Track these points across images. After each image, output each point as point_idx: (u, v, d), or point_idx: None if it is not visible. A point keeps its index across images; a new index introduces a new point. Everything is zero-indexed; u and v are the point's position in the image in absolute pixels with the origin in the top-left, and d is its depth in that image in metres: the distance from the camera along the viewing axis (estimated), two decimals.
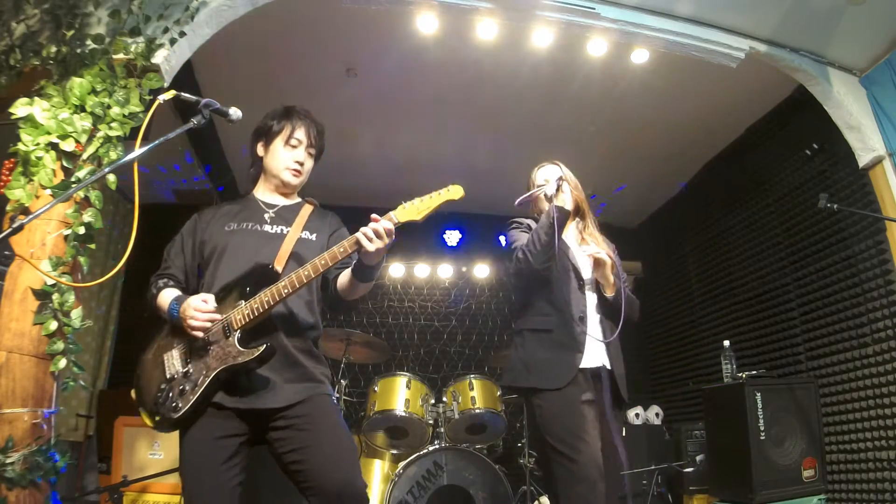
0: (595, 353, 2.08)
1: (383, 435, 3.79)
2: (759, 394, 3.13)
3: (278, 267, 1.75)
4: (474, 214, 5.20)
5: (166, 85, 2.40)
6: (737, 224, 4.49)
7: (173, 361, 1.72)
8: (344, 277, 1.82)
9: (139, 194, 1.68)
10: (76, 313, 2.02)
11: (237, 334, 1.66)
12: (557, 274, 2.11)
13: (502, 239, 2.38)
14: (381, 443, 3.82)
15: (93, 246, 2.13)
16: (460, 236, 5.48)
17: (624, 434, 3.90)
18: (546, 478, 2.08)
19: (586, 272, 2.17)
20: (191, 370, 1.67)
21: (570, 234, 2.28)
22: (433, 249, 5.52)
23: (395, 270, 5.59)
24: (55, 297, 1.97)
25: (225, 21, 2.61)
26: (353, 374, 4.90)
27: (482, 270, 5.73)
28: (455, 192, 1.67)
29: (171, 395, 1.65)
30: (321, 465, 1.62)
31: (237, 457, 1.64)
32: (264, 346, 1.62)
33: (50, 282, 1.95)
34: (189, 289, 1.86)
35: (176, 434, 1.69)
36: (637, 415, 4.31)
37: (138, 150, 1.62)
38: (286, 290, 1.64)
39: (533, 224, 2.22)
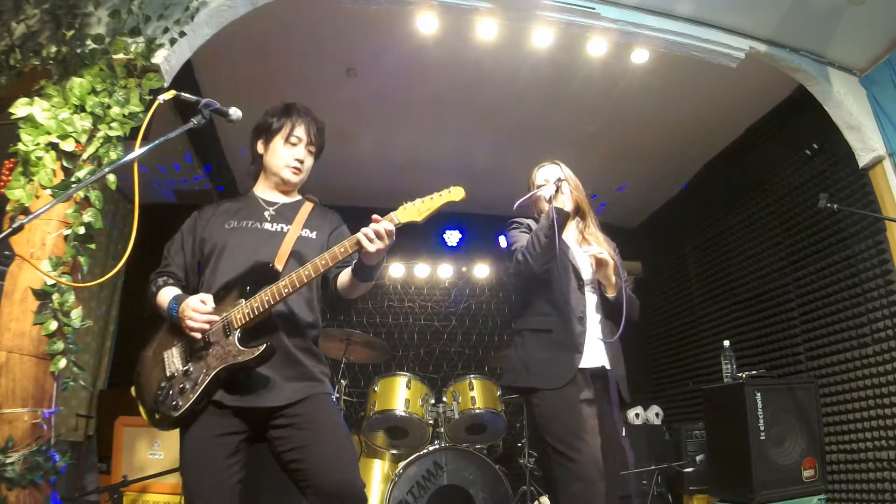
0: (594, 353, 2.08)
1: (383, 435, 3.79)
2: (759, 394, 3.13)
3: (278, 266, 1.75)
4: (474, 214, 5.20)
5: (166, 85, 2.40)
6: (737, 224, 4.49)
7: (173, 359, 1.72)
8: (344, 276, 1.82)
9: (139, 194, 1.68)
10: (76, 313, 2.02)
11: (237, 333, 1.66)
12: (557, 274, 2.11)
13: (502, 239, 2.38)
14: (381, 443, 3.82)
15: (93, 246, 2.13)
16: (460, 236, 5.48)
17: (624, 434, 3.90)
18: (546, 477, 2.08)
19: (586, 272, 2.17)
20: (191, 368, 1.67)
21: (571, 233, 2.28)
22: (433, 249, 5.53)
23: (395, 270, 5.59)
24: (55, 297, 1.97)
25: (225, 21, 2.61)
26: (353, 374, 4.90)
27: (482, 270, 5.73)
28: (456, 193, 1.67)
29: (171, 392, 1.66)
30: (320, 464, 1.62)
31: (237, 454, 1.65)
32: (264, 345, 1.62)
33: (50, 282, 1.96)
34: (189, 286, 1.86)
35: (176, 434, 1.69)
36: (637, 415, 4.31)
37: (138, 150, 1.62)
38: (286, 290, 1.65)
39: (533, 224, 2.22)
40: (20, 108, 2.06)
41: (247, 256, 1.77)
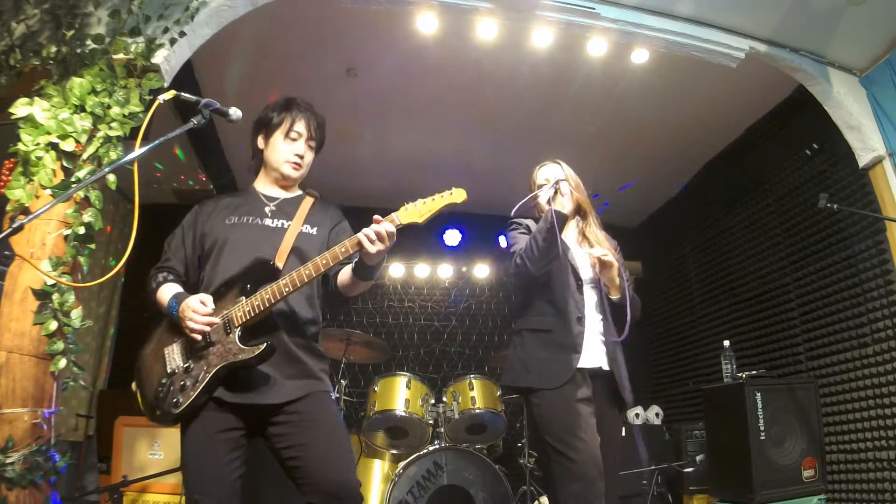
0: (594, 353, 2.07)
1: (383, 435, 3.79)
2: (759, 394, 3.13)
3: (279, 263, 1.76)
4: (474, 214, 5.19)
5: (166, 85, 2.40)
6: (737, 224, 4.49)
7: (174, 356, 1.73)
8: (344, 274, 1.82)
9: (139, 194, 1.69)
10: (76, 313, 2.02)
11: (238, 332, 1.67)
12: (556, 274, 2.11)
13: (503, 239, 2.38)
14: (381, 443, 3.82)
15: (93, 246, 2.13)
16: (460, 236, 5.48)
17: (623, 434, 3.91)
18: (545, 477, 2.08)
19: (585, 272, 2.16)
20: (191, 365, 1.68)
21: (571, 233, 2.27)
22: (433, 249, 5.53)
23: (395, 270, 5.59)
24: (55, 297, 1.97)
25: (225, 21, 2.61)
26: (353, 374, 4.90)
27: (482, 270, 5.73)
28: (458, 195, 1.68)
29: (171, 389, 1.67)
30: (318, 463, 1.64)
31: (238, 450, 1.67)
32: (265, 344, 1.63)
33: (50, 282, 1.96)
34: (189, 282, 1.87)
35: (176, 434, 1.69)
36: (637, 415, 4.31)
37: (138, 150, 1.62)
38: (287, 289, 1.65)
39: (533, 225, 2.22)
40: (20, 108, 2.06)
41: (247, 253, 1.77)
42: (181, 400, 1.64)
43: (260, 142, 1.96)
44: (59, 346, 1.97)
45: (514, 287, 2.54)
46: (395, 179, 4.88)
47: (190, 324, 1.65)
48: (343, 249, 1.66)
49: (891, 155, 3.11)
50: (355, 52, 3.52)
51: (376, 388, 3.78)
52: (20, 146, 2.04)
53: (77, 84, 2.14)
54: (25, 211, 2.01)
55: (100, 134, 2.15)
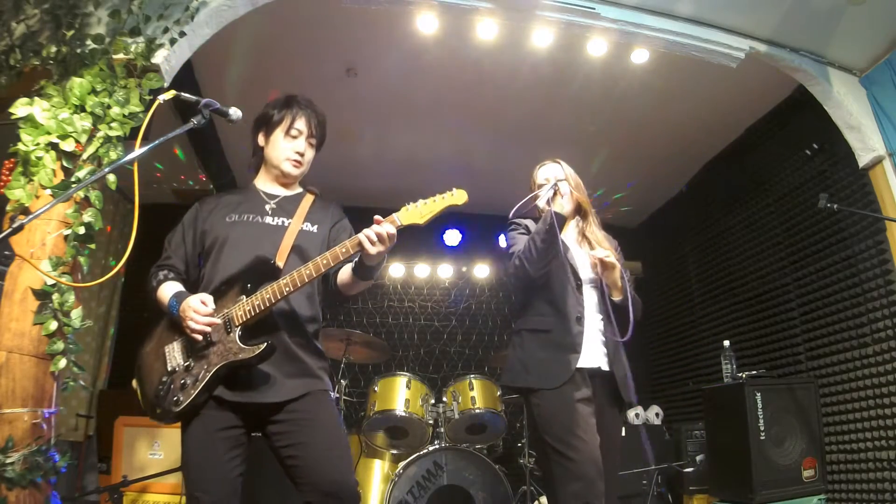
0: (593, 353, 2.07)
1: (383, 435, 3.79)
2: (759, 394, 3.13)
3: (279, 262, 1.76)
4: (474, 214, 5.18)
5: (166, 85, 2.40)
6: (737, 224, 4.49)
7: (174, 354, 1.74)
8: (344, 273, 1.82)
9: (139, 194, 1.69)
10: (76, 313, 2.02)
11: (238, 331, 1.67)
12: (555, 274, 2.11)
13: (502, 238, 2.37)
14: (381, 443, 3.82)
15: (93, 246, 2.13)
16: (460, 236, 5.48)
17: (630, 434, 3.91)
18: (545, 477, 2.08)
19: (584, 272, 2.15)
20: (192, 364, 1.69)
21: (570, 233, 2.27)
22: (433, 249, 5.53)
23: (395, 270, 5.59)
24: (55, 297, 1.97)
25: (225, 21, 2.61)
26: (353, 374, 4.90)
27: (482, 270, 5.73)
28: (459, 196, 1.68)
29: (172, 387, 1.68)
30: (316, 462, 1.65)
31: (238, 448, 1.68)
32: (265, 344, 1.63)
33: (50, 282, 1.96)
34: (190, 279, 1.87)
35: (176, 435, 1.70)
36: (637, 415, 4.31)
37: (138, 150, 1.62)
38: (287, 289, 1.66)
39: (532, 225, 2.21)
40: (20, 108, 2.06)
41: (248, 251, 1.77)
42: (182, 398, 1.65)
43: (260, 139, 1.96)
44: (59, 346, 1.97)
45: (513, 287, 2.53)
46: (395, 179, 4.88)
47: (191, 324, 1.66)
48: (344, 250, 1.66)
49: (891, 155, 3.11)
50: (355, 52, 3.52)
51: (376, 388, 3.78)
52: (20, 146, 2.04)
53: (77, 84, 2.14)
54: (25, 211, 2.01)
55: (100, 134, 2.15)
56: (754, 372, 3.33)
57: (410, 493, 3.37)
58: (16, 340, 1.92)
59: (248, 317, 1.67)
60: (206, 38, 2.59)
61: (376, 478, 3.70)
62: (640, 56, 3.35)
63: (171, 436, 3.24)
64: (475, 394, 3.75)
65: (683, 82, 3.70)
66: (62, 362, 1.98)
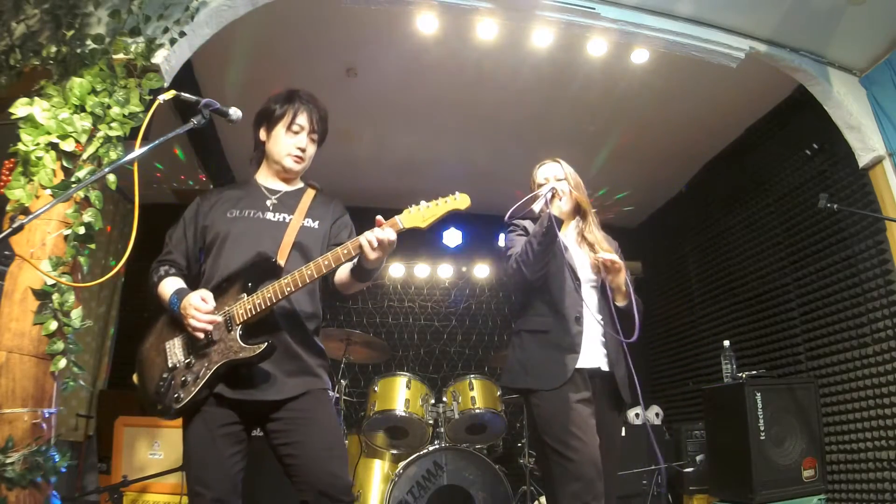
0: (592, 354, 2.06)
1: (383, 435, 3.79)
2: (759, 394, 3.13)
3: (281, 259, 1.76)
4: (474, 214, 5.09)
5: (166, 85, 2.40)
6: (737, 224, 4.49)
7: (175, 351, 1.74)
8: (342, 273, 1.82)
9: (139, 194, 1.69)
10: (76, 313, 2.02)
11: (239, 330, 1.68)
12: (554, 274, 2.10)
13: (502, 238, 2.36)
14: (381, 443, 3.82)
15: (93, 246, 2.13)
16: (460, 236, 5.48)
17: (624, 434, 3.91)
18: (545, 478, 2.08)
19: (584, 272, 2.14)
20: (193, 361, 1.69)
21: (570, 233, 2.26)
22: (433, 249, 5.53)
23: (395, 270, 5.59)
24: (55, 297, 1.97)
25: (225, 21, 2.61)
26: (353, 374, 4.90)
27: (482, 270, 5.73)
28: (462, 201, 1.68)
29: (173, 384, 1.69)
30: (312, 461, 1.67)
31: (239, 444, 1.70)
32: (266, 343, 1.64)
33: (50, 282, 1.96)
34: (191, 274, 1.87)
35: (176, 435, 1.71)
36: (637, 415, 4.31)
37: (138, 150, 1.62)
38: (289, 289, 1.66)
39: (530, 226, 2.20)
40: (20, 108, 2.06)
41: (249, 247, 1.77)
42: (182, 396, 1.66)
43: (262, 134, 1.95)
44: (59, 346, 1.97)
45: (513, 287, 2.52)
46: (395, 179, 4.88)
47: (192, 321, 1.66)
48: (346, 251, 1.66)
49: (891, 155, 3.10)
50: (355, 52, 3.52)
51: (376, 388, 3.78)
52: (20, 146, 2.04)
53: (77, 84, 2.14)
54: (25, 211, 2.01)
55: (100, 134, 2.15)
56: (754, 372, 3.33)
57: (410, 493, 3.37)
58: (16, 340, 1.92)
59: (249, 315, 1.68)
60: (206, 38, 2.59)
61: (376, 478, 3.70)
62: (640, 56, 3.35)
63: (171, 436, 3.24)
64: (475, 394, 3.75)
65: (683, 82, 3.70)
66: (62, 362, 1.98)
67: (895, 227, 3.06)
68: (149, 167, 4.50)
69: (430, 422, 3.75)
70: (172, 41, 2.39)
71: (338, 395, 3.62)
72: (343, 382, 3.76)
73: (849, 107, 3.22)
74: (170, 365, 1.72)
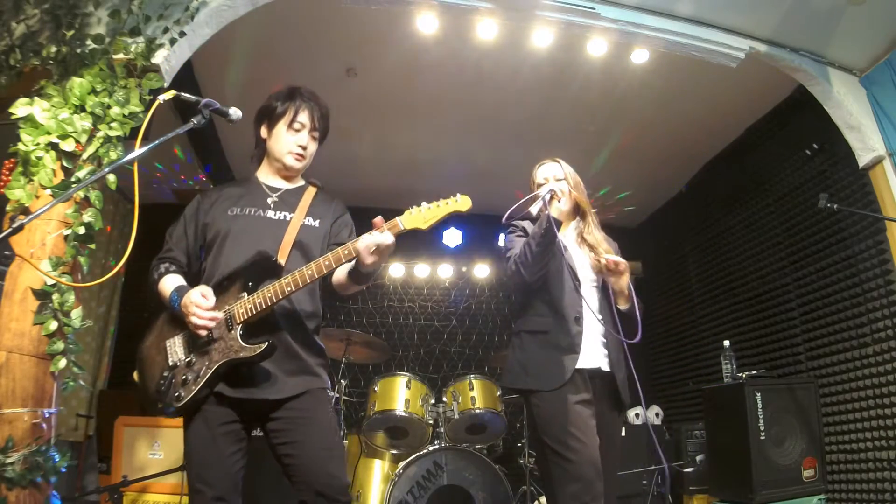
0: (592, 354, 2.06)
1: (383, 435, 3.79)
2: (759, 394, 3.13)
3: (281, 258, 1.76)
4: (474, 214, 5.08)
5: (166, 85, 2.40)
6: (737, 224, 4.49)
7: (176, 349, 1.74)
8: (340, 274, 1.82)
9: (139, 194, 1.69)
10: (76, 313, 2.02)
11: (239, 329, 1.68)
12: (554, 274, 2.10)
13: (502, 238, 2.36)
14: (381, 443, 3.82)
15: (93, 246, 2.13)
16: (460, 236, 5.48)
17: (624, 434, 3.91)
18: (544, 478, 2.07)
19: (584, 272, 2.14)
20: (193, 360, 1.70)
21: (569, 233, 2.25)
22: (433, 249, 5.53)
23: (395, 270, 5.59)
24: (55, 297, 1.97)
25: (225, 21, 2.61)
26: (353, 374, 4.90)
27: (482, 270, 5.73)
28: (463, 203, 1.68)
29: (173, 382, 1.69)
30: (311, 461, 1.67)
31: (239, 443, 1.70)
32: (266, 343, 1.64)
33: (50, 282, 1.96)
34: (191, 272, 1.87)
35: (176, 435, 1.71)
36: (637, 415, 4.31)
37: (138, 150, 1.62)
38: (289, 289, 1.66)
39: (529, 227, 2.20)
40: (20, 108, 2.06)
41: (249, 245, 1.77)
42: (183, 394, 1.66)
43: (263, 131, 1.95)
44: (59, 346, 1.97)
45: (513, 288, 2.52)
46: (395, 179, 4.88)
47: (194, 319, 1.66)
48: (346, 252, 1.66)
49: (891, 155, 3.10)
50: (355, 52, 3.52)
51: (376, 388, 3.77)
52: (20, 146, 2.04)
53: (77, 84, 2.14)
54: (25, 211, 2.01)
55: (100, 134, 2.15)
56: (754, 372, 3.33)
57: (410, 493, 3.37)
58: (16, 340, 1.92)
59: (250, 315, 1.68)
60: (206, 38, 2.58)
61: (376, 478, 3.70)
62: (640, 56, 3.35)
63: (171, 436, 3.24)
64: (475, 394, 3.75)
65: (683, 82, 3.70)
66: (62, 362, 1.98)
67: (895, 227, 3.06)
68: (149, 167, 4.50)
69: (430, 422, 3.75)
70: (172, 41, 2.39)
71: (338, 395, 3.62)
72: (343, 382, 3.75)
73: (849, 107, 3.22)
74: (170, 363, 1.73)
